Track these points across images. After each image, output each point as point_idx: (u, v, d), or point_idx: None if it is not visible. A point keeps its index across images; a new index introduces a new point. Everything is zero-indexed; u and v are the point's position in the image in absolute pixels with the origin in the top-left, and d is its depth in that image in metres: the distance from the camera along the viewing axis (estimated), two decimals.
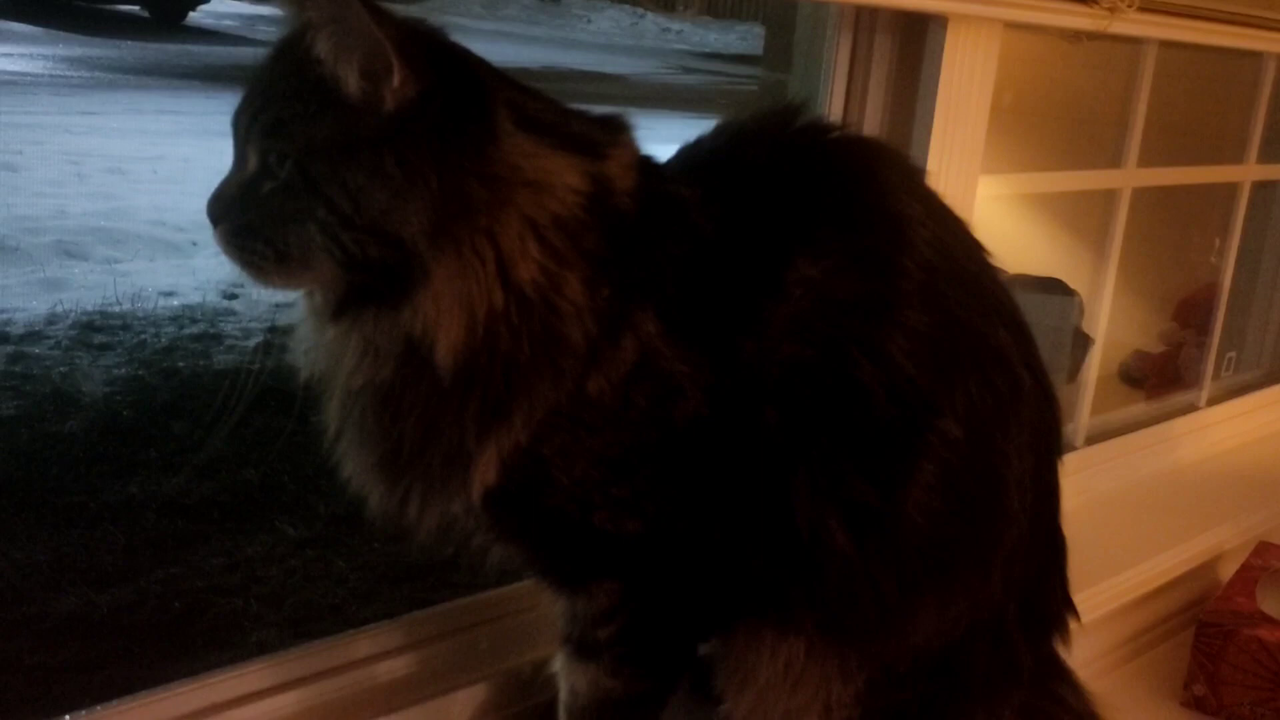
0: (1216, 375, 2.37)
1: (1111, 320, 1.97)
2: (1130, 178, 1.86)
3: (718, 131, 1.03)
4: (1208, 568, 1.80)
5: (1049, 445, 1.11)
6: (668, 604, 1.01)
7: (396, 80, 0.82)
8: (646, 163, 0.96)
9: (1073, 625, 1.22)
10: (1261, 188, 2.34)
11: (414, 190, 0.83)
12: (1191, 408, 2.21)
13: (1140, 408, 2.18)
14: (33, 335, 3.61)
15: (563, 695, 1.05)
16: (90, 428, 3.02)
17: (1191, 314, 2.57)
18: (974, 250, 1.07)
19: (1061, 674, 1.24)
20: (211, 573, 2.43)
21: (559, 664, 1.05)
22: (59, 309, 3.86)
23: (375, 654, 1.16)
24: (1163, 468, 2.06)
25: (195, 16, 11.69)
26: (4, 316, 3.77)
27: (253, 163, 0.86)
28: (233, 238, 0.87)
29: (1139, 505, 1.91)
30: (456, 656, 1.19)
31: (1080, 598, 1.58)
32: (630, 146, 0.95)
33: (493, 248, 0.86)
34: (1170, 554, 1.72)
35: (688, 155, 1.02)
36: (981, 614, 1.07)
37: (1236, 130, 2.14)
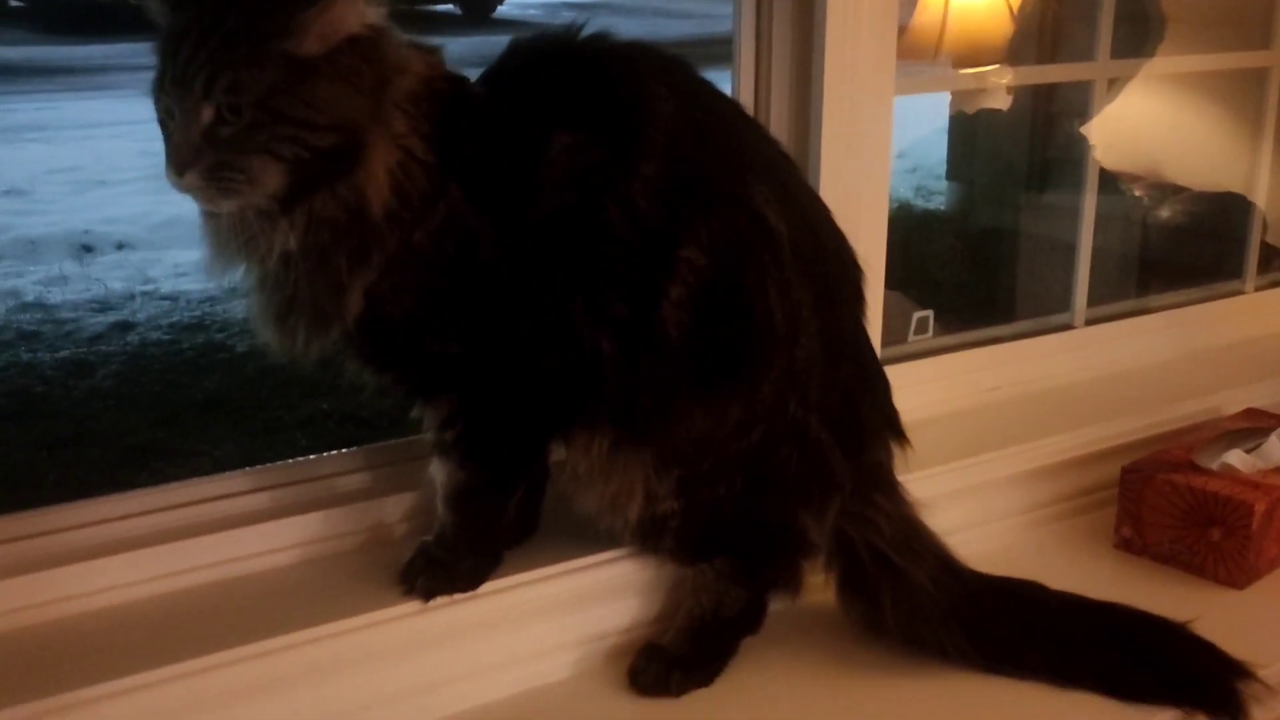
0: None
1: None
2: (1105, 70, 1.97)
3: (507, 47, 1.30)
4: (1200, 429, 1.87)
5: (834, 287, 1.33)
6: (493, 410, 1.30)
7: None
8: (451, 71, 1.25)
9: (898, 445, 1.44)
10: None
11: (359, 83, 1.12)
12: (1237, 293, 2.26)
13: (1188, 293, 2.24)
14: None
15: (437, 488, 1.35)
16: None
17: None
18: (733, 127, 1.32)
19: (883, 484, 1.43)
20: None
21: (432, 465, 1.35)
22: None
23: (337, 471, 1.50)
24: (1200, 346, 2.13)
25: (503, 10, 12.51)
26: None
27: (207, 115, 1.09)
28: (211, 174, 1.09)
29: (1146, 377, 2.02)
30: (402, 478, 1.50)
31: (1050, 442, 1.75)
32: (442, 54, 1.23)
33: (388, 117, 1.15)
34: (1129, 420, 1.85)
35: (487, 68, 1.30)
36: (775, 424, 1.30)
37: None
